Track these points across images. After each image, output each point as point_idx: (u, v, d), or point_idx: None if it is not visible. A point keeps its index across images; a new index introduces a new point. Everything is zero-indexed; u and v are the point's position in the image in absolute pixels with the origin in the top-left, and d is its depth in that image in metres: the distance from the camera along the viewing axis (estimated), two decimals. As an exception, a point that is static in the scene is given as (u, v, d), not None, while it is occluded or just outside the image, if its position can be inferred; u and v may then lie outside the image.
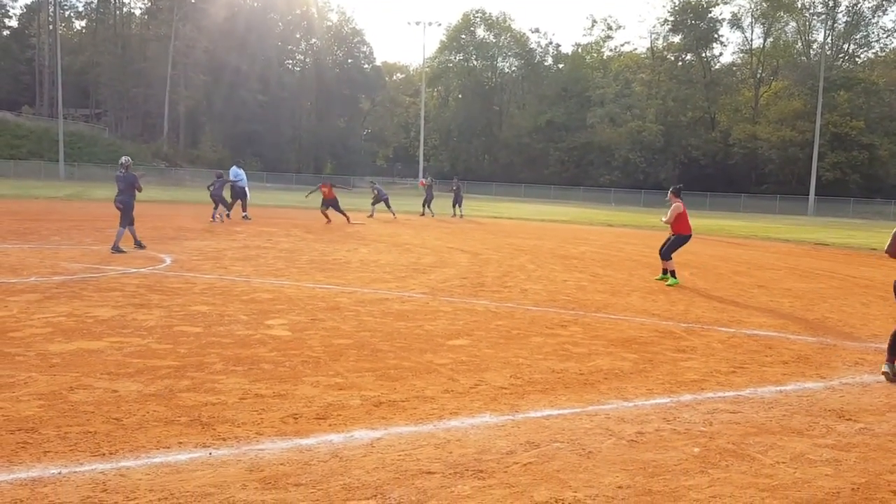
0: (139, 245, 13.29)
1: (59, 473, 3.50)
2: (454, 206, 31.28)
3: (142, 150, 69.39)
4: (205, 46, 75.37)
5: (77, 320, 6.94)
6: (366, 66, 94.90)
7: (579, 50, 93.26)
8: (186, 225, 19.54)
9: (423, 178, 33.36)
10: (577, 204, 63.49)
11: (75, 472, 3.53)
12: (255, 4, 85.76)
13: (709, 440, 4.43)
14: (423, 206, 31.21)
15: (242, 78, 76.33)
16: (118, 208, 13.10)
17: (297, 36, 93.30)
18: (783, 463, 4.11)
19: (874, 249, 21.91)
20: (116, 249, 12.66)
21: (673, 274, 11.86)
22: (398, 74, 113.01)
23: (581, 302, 9.57)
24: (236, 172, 23.31)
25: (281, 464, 3.75)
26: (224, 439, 4.05)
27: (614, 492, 3.59)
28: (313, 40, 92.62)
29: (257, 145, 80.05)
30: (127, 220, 13.08)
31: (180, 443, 3.97)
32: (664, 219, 12.02)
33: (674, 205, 11.80)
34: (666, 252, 11.90)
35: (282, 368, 5.59)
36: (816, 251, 21.06)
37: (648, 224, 33.28)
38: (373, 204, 27.83)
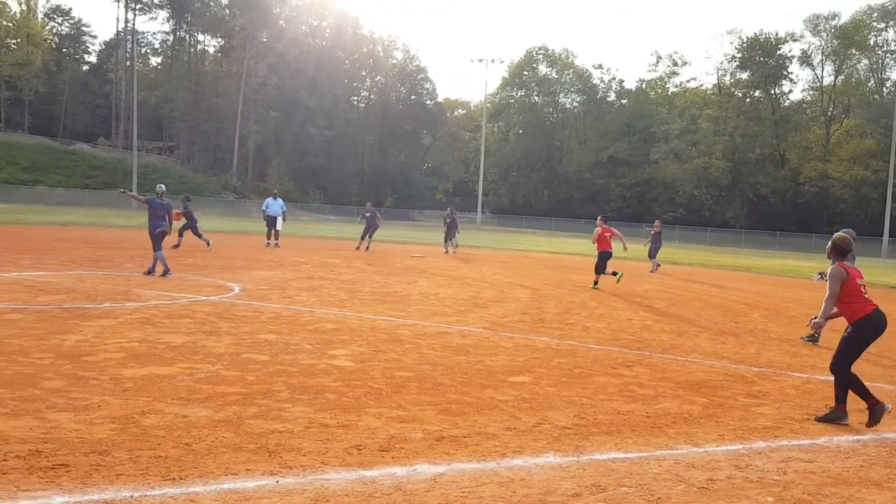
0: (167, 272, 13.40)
1: (131, 497, 3.58)
2: (446, 241, 27.68)
3: (211, 182, 71.80)
4: (275, 83, 77.80)
5: (149, 346, 7.14)
6: (428, 102, 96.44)
7: (643, 85, 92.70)
8: (254, 255, 20.01)
9: (448, 210, 28.87)
10: (640, 240, 62.42)
11: (146, 495, 3.60)
12: (324, 44, 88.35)
13: (783, 490, 4.25)
14: (445, 241, 27.84)
15: (310, 114, 78.39)
16: (164, 233, 13.35)
17: (363, 73, 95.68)
18: (865, 517, 3.91)
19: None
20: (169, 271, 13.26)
21: (596, 283, 16.14)
22: (459, 110, 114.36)
23: (646, 342, 9.37)
24: (266, 202, 25.35)
25: (346, 494, 3.76)
26: (290, 468, 4.09)
27: (685, 540, 3.46)
28: (378, 77, 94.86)
29: (321, 178, 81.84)
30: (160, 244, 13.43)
31: (248, 469, 4.02)
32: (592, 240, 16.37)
33: (596, 229, 16.24)
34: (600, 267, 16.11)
35: (345, 399, 5.62)
36: (892, 295, 20.17)
37: (715, 263, 32.59)
38: (368, 236, 25.29)
